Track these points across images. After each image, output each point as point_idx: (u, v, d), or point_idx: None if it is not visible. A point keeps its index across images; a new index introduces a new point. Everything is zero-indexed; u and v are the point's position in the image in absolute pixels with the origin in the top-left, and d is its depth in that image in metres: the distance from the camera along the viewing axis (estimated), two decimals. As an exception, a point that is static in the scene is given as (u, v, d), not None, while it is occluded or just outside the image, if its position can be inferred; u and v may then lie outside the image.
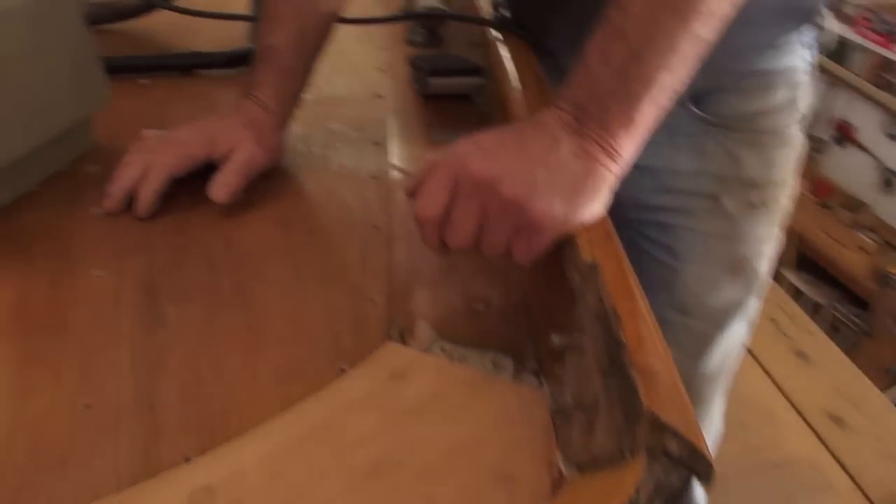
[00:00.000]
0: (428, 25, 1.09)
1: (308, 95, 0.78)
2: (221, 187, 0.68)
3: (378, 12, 1.05)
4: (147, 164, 0.69)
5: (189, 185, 0.69)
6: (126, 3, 1.02)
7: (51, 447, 0.48)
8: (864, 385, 1.99)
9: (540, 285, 0.60)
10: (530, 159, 0.51)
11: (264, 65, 0.75)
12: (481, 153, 0.52)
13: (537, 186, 0.50)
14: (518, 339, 0.57)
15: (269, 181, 0.73)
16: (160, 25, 1.05)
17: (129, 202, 0.68)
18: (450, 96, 0.94)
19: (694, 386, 0.92)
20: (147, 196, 0.68)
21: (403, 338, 0.56)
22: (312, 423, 0.48)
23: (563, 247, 0.52)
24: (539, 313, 0.59)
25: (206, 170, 0.70)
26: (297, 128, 0.79)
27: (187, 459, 0.47)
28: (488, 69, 0.91)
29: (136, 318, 0.57)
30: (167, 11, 1.02)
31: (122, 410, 0.50)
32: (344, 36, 1.02)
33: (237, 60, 0.94)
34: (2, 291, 0.59)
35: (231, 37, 0.99)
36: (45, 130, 0.70)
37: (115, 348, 0.55)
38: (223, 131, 0.72)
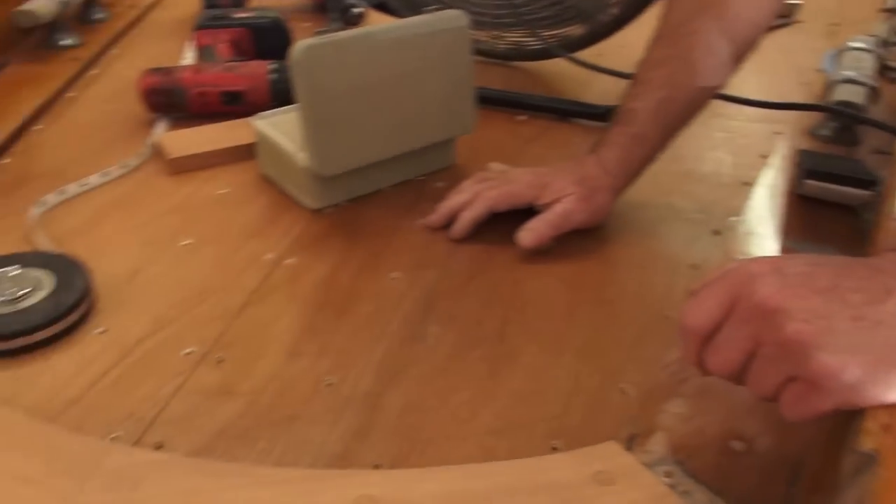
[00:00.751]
0: (842, 121, 0.96)
1: (665, 164, 0.74)
2: (529, 233, 0.69)
3: (784, 89, 0.95)
4: (476, 193, 0.73)
5: (505, 221, 0.72)
6: (531, 48, 1.09)
7: (288, 404, 0.53)
8: None
9: (822, 448, 0.48)
10: (840, 304, 0.41)
11: (620, 126, 0.73)
12: (777, 277, 0.43)
13: (834, 336, 0.40)
14: (766, 500, 0.47)
15: (582, 239, 0.72)
16: (559, 69, 1.10)
17: (449, 222, 0.73)
18: (829, 203, 0.81)
19: None
20: (465, 222, 0.72)
21: (632, 443, 0.50)
22: (496, 486, 0.46)
23: (848, 416, 0.41)
24: (810, 480, 0.48)
25: (527, 211, 0.71)
26: (635, 193, 0.76)
27: (376, 466, 0.49)
28: (884, 183, 0.77)
29: (404, 325, 0.61)
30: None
31: (352, 399, 0.54)
32: (736, 111, 0.96)
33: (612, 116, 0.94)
34: (321, 265, 0.68)
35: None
36: (412, 142, 0.79)
37: (375, 345, 0.59)
38: (555, 181, 0.72)
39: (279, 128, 0.78)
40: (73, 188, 0.78)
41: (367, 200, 0.79)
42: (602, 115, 0.94)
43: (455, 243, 0.72)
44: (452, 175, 0.83)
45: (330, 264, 0.69)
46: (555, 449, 0.50)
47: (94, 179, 0.80)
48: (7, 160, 0.87)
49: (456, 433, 0.51)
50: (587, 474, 0.47)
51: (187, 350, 0.58)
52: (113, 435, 0.51)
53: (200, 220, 0.75)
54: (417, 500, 0.45)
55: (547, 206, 0.71)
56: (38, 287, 0.61)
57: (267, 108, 0.82)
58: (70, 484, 0.45)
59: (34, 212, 0.74)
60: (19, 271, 0.61)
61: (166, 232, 0.73)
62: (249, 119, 0.82)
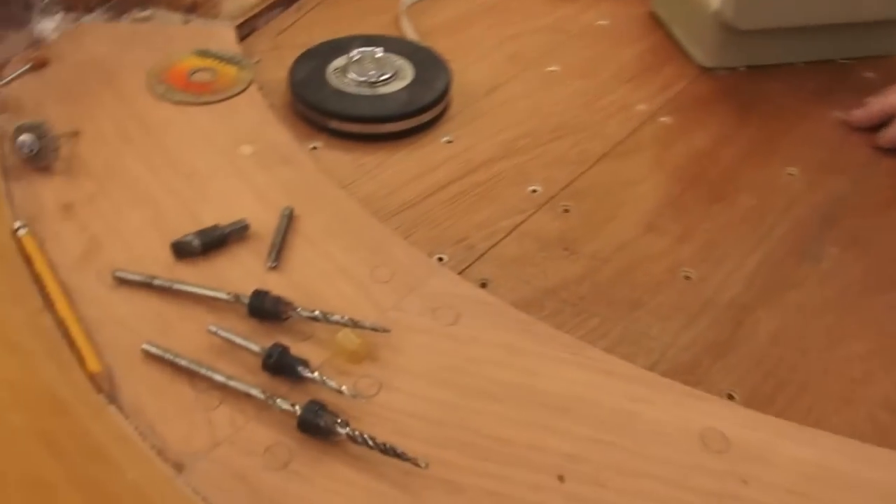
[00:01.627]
0: None
1: None
2: None
3: None
4: None
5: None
6: None
7: (634, 286, 0.44)
8: None
9: None
10: None
11: None
12: None
13: None
14: None
15: None
16: None
17: (879, 125, 0.56)
18: None
19: None
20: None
21: None
22: (884, 482, 0.34)
23: None
24: None
25: None
26: None
27: (729, 396, 0.38)
28: None
29: (793, 234, 0.48)
30: None
31: (713, 304, 0.43)
32: None
33: None
34: (701, 134, 0.56)
35: None
36: (851, 12, 0.61)
37: (752, 247, 0.47)
38: None
39: (690, -41, 0.65)
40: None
41: (771, 72, 0.63)
42: None
43: (880, 152, 0.55)
44: (890, 67, 0.64)
45: (712, 136, 0.56)
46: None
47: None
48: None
49: (839, 392, 0.39)
50: None
51: (532, 187, 0.51)
52: (439, 256, 0.46)
53: (572, 49, 0.66)
54: (775, 458, 0.34)
55: None
56: (397, 76, 0.56)
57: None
58: (389, 293, 0.41)
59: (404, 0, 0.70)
60: (382, 55, 0.57)
61: (533, 52, 0.65)
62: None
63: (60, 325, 0.38)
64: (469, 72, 0.61)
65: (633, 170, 0.53)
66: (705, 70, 0.63)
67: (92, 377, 0.35)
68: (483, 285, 0.44)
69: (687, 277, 0.45)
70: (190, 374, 0.36)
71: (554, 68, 0.63)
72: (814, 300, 0.44)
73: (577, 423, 0.35)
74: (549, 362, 0.38)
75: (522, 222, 0.48)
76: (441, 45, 0.62)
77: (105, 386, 0.35)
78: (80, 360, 0.36)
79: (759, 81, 0.62)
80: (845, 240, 0.48)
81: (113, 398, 0.35)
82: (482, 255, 0.46)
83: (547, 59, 0.64)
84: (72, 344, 0.37)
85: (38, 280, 0.40)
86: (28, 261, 0.41)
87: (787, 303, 0.43)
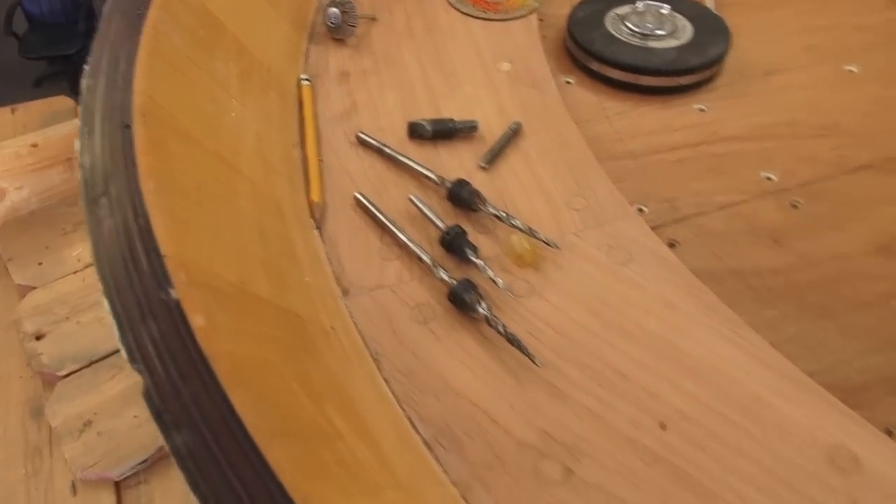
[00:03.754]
0: None
1: None
2: None
3: None
4: None
5: None
6: None
7: (841, 296, 0.41)
8: None
9: None
10: None
11: None
12: None
13: None
14: None
15: None
16: None
17: None
18: None
19: None
20: None
21: None
22: None
23: None
24: None
25: None
26: None
27: (888, 430, 0.35)
28: None
29: None
30: None
31: None
32: None
33: None
34: None
35: None
36: None
37: None
38: None
39: None
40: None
41: None
42: None
43: None
44: None
45: None
46: None
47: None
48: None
49: None
50: None
51: (768, 175, 0.48)
52: (640, 206, 0.46)
53: (885, 53, 0.59)
54: (910, 504, 0.31)
55: None
56: (674, 35, 0.56)
57: None
58: (576, 220, 0.43)
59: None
60: (667, 12, 0.57)
61: (837, 48, 0.60)
62: None
63: (304, 160, 0.45)
64: (754, 50, 0.58)
65: (894, 191, 0.48)
66: None
67: (311, 204, 0.43)
68: (671, 245, 0.44)
69: (914, 310, 0.41)
70: (382, 228, 0.42)
71: (852, 68, 0.58)
72: None
73: (703, 388, 0.35)
74: (701, 328, 0.38)
75: (741, 202, 0.47)
76: (737, 19, 0.60)
77: (317, 213, 0.42)
78: (307, 189, 0.43)
79: None
80: None
81: (319, 224, 0.42)
82: (683, 218, 0.45)
83: (849, 57, 0.59)
84: (307, 176, 0.44)
85: (301, 123, 0.48)
86: (300, 105, 0.49)
87: None
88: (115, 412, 0.60)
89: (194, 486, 0.21)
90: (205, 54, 0.42)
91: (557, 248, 0.40)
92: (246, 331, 0.28)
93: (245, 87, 0.44)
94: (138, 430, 0.59)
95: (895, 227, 0.45)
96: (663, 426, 0.34)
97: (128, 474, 0.55)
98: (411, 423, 0.34)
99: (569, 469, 0.32)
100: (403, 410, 0.34)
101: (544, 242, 0.40)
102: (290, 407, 0.26)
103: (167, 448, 0.22)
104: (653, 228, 0.44)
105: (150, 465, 0.56)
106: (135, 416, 0.60)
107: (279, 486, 0.22)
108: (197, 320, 0.25)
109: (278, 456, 0.22)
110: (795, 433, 0.33)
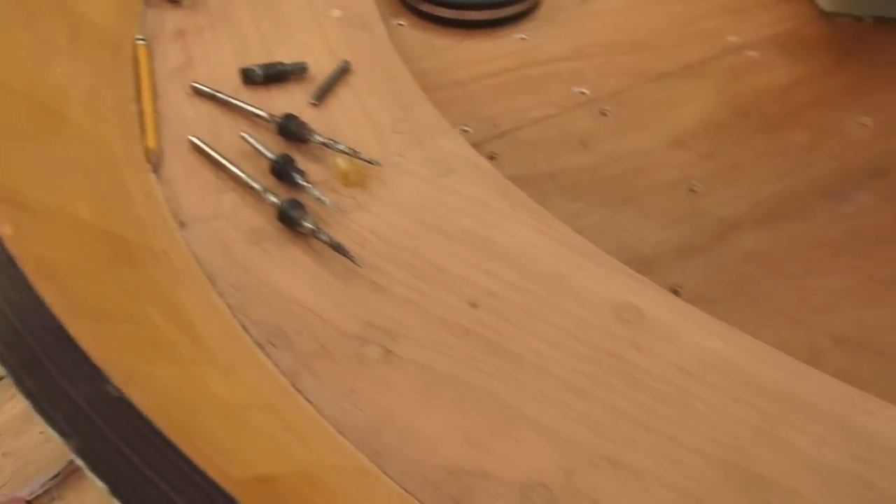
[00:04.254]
0: None
1: None
2: None
3: None
4: None
5: None
6: None
7: (635, 186, 0.46)
8: None
9: None
10: None
11: None
12: None
13: None
14: None
15: None
16: None
17: None
18: None
19: None
20: None
21: None
22: (783, 392, 0.34)
23: None
24: None
25: None
26: None
27: (675, 290, 0.40)
28: None
29: (827, 177, 0.47)
30: None
31: (704, 217, 0.44)
32: None
33: None
34: (782, 73, 0.55)
35: None
36: None
37: (774, 178, 0.47)
38: None
39: None
40: None
41: (897, 27, 0.59)
42: None
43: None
44: None
45: (793, 77, 0.55)
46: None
47: None
48: None
49: (791, 313, 0.39)
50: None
51: (581, 90, 0.53)
52: (464, 127, 0.50)
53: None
54: (680, 340, 0.36)
55: None
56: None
57: None
58: (400, 142, 0.46)
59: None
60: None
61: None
62: None
63: (140, 114, 0.47)
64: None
65: (690, 92, 0.53)
66: (825, 14, 0.60)
67: (147, 151, 0.45)
68: (492, 158, 0.48)
69: (692, 190, 0.46)
70: (217, 166, 0.44)
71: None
72: (815, 234, 0.43)
73: (509, 270, 0.39)
74: (510, 222, 0.42)
75: (555, 115, 0.51)
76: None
77: (153, 159, 0.44)
78: (143, 137, 0.46)
79: (881, 34, 0.59)
80: (883, 192, 0.46)
81: (156, 168, 0.44)
82: (503, 133, 0.50)
83: (656, -18, 0.64)
84: (143, 127, 0.46)
85: (137, 79, 0.50)
86: (136, 64, 0.51)
87: (785, 231, 0.43)
88: (18, 430, 0.60)
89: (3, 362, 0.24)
90: (25, 15, 0.43)
91: (378, 164, 0.44)
92: (60, 242, 0.30)
93: (74, 46, 0.46)
94: (46, 446, 0.60)
95: (689, 123, 0.51)
96: (474, 305, 0.38)
97: (39, 492, 0.56)
98: (244, 328, 0.37)
99: (388, 350, 0.36)
100: (237, 319, 0.37)
101: (366, 161, 0.44)
102: (103, 301, 0.29)
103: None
104: (475, 145, 0.48)
105: (61, 480, 0.57)
106: (41, 433, 0.61)
107: (83, 355, 0.25)
108: (4, 229, 0.27)
109: (80, 329, 0.25)
110: (588, 297, 0.38)
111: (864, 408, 0.34)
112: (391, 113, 0.48)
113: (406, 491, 0.31)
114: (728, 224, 0.43)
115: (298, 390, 0.34)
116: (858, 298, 0.39)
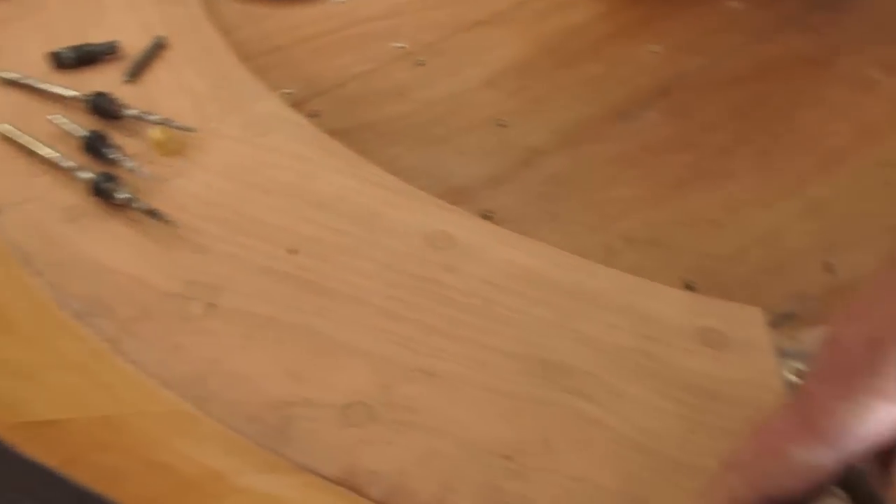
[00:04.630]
0: None
1: None
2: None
3: None
4: None
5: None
6: None
7: (448, 126, 0.49)
8: None
9: None
10: None
11: None
12: None
13: None
14: None
15: None
16: None
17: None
18: None
19: None
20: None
21: (785, 321, 0.37)
22: (577, 287, 0.38)
23: None
24: None
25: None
26: None
27: (486, 216, 0.43)
28: None
29: (622, 100, 0.51)
30: None
31: (512, 147, 0.47)
32: None
33: None
34: (578, 13, 0.59)
35: None
36: None
37: (586, 104, 0.50)
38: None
39: None
40: None
41: None
42: None
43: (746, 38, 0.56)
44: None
45: (594, 14, 0.59)
46: (688, 287, 0.39)
47: None
48: None
49: (588, 221, 0.43)
50: (695, 326, 0.36)
51: (399, 44, 0.55)
52: (286, 90, 0.51)
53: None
54: (487, 257, 0.39)
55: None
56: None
57: None
58: (217, 109, 0.47)
59: None
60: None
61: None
62: None
63: (-56, 108, 0.47)
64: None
65: (501, 37, 0.56)
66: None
67: (-48, 145, 0.44)
68: (314, 115, 0.50)
69: (500, 125, 0.49)
70: (29, 152, 0.44)
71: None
72: (609, 152, 0.47)
73: (327, 216, 0.41)
74: (329, 172, 0.44)
75: (374, 70, 0.53)
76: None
77: (-40, 151, 0.44)
78: (-52, 132, 0.45)
79: None
80: (669, 108, 0.50)
81: (-36, 161, 0.44)
82: (324, 91, 0.51)
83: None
84: (-53, 121, 0.45)
85: (-62, 75, 0.49)
86: (-65, 60, 0.50)
87: (584, 152, 0.47)
88: None
89: None
90: None
91: (193, 130, 0.45)
92: None
93: None
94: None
95: (500, 65, 0.54)
96: (293, 251, 0.39)
97: None
98: (61, 302, 0.37)
99: (211, 304, 0.37)
100: (54, 294, 0.37)
101: (181, 129, 0.44)
102: None
103: None
104: (298, 104, 0.50)
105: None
106: None
107: None
108: None
109: None
110: (402, 230, 0.40)
111: (649, 293, 0.38)
112: (208, 83, 0.49)
113: (230, 428, 0.33)
114: (532, 151, 0.47)
115: (123, 353, 0.35)
116: (646, 202, 0.43)
